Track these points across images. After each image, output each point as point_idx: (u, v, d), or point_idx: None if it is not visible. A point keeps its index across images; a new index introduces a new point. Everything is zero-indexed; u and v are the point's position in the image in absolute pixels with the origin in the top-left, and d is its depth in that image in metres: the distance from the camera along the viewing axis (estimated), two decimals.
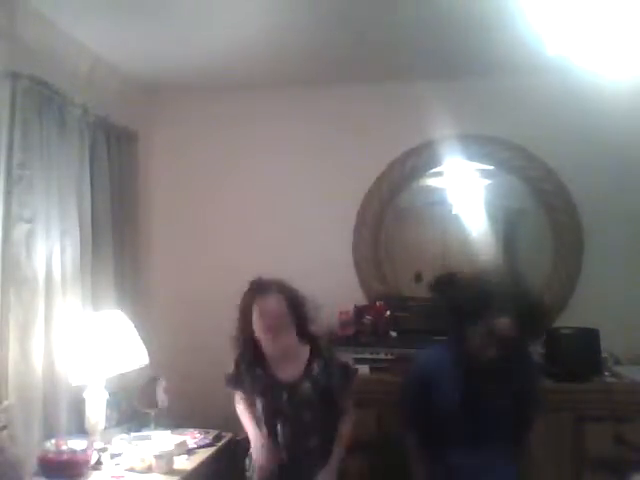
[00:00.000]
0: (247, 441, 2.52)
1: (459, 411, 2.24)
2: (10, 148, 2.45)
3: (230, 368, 2.54)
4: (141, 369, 2.83)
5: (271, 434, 2.40)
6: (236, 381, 2.49)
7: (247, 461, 2.53)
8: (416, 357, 2.56)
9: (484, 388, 2.25)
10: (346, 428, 2.44)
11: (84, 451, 2.41)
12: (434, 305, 2.56)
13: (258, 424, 2.45)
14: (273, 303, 2.39)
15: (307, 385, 2.39)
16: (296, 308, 2.43)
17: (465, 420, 2.24)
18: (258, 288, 2.44)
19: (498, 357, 2.22)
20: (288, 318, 2.40)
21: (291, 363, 2.43)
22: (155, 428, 2.93)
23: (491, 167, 3.51)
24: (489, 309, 2.20)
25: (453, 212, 3.54)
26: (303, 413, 2.37)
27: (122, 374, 2.75)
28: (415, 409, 2.41)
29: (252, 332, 2.42)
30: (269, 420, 2.40)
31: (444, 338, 2.50)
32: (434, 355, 2.46)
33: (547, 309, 2.32)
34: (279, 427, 2.38)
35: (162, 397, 2.99)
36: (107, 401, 2.71)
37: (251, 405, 2.49)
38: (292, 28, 2.83)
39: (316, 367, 2.42)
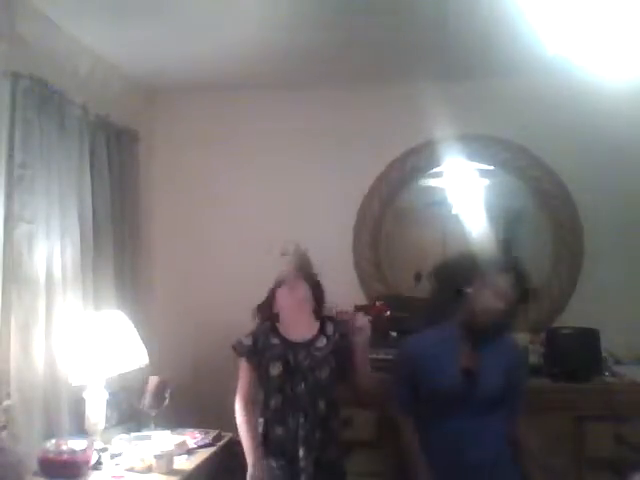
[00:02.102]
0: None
1: (461, 382, 2.25)
2: (10, 148, 2.45)
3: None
4: (141, 369, 2.83)
5: (285, 399, 2.43)
6: (250, 351, 2.51)
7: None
8: (403, 343, 2.59)
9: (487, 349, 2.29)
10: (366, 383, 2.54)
11: (84, 451, 2.41)
12: (435, 293, 2.58)
13: (271, 392, 2.45)
14: (298, 290, 2.54)
15: (323, 340, 2.49)
16: (315, 294, 2.57)
17: (467, 390, 2.24)
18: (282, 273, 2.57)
19: (505, 311, 2.26)
20: (307, 290, 2.56)
21: (305, 326, 2.52)
22: (155, 428, 2.93)
23: (491, 167, 3.51)
24: (488, 270, 2.30)
25: (453, 212, 3.54)
26: (318, 370, 2.43)
27: (122, 374, 2.75)
28: (405, 390, 2.41)
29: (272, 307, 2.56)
30: (285, 383, 2.42)
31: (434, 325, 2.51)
32: (423, 336, 2.48)
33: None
34: (295, 388, 2.41)
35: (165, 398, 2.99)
36: (107, 401, 2.71)
37: (253, 411, 2.50)
38: (292, 28, 2.82)
39: (329, 327, 2.54)
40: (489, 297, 2.26)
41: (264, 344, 2.49)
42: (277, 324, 2.54)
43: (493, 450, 2.26)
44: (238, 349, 2.53)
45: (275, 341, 2.49)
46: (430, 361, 2.33)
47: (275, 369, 2.44)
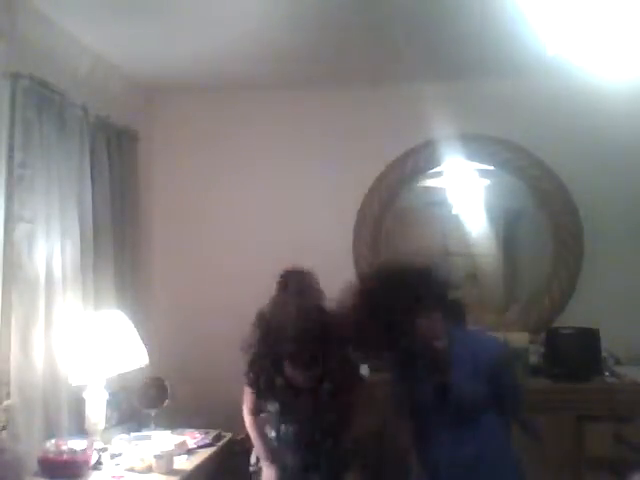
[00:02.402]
0: (248, 439, 2.52)
1: (433, 400, 2.18)
2: (10, 148, 2.45)
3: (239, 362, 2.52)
4: (141, 369, 2.83)
5: (282, 437, 2.40)
6: (254, 384, 2.42)
7: (252, 458, 2.53)
8: None
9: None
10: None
11: (84, 451, 2.41)
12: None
13: (270, 425, 2.44)
14: (309, 372, 2.32)
15: (327, 386, 2.37)
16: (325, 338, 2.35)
17: (441, 407, 2.17)
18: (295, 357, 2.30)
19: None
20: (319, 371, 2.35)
21: (309, 369, 2.35)
22: (155, 428, 2.93)
23: (491, 167, 3.51)
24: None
25: (453, 212, 3.54)
26: (323, 416, 2.36)
27: (122, 374, 2.75)
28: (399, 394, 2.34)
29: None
30: (283, 423, 2.39)
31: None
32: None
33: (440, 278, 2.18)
34: (296, 431, 2.37)
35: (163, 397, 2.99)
36: (107, 401, 2.71)
37: (260, 411, 2.48)
38: (292, 28, 2.83)
39: (333, 362, 2.37)
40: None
41: (266, 380, 2.39)
42: (284, 361, 2.36)
43: (479, 455, 2.22)
44: (246, 379, 2.43)
45: (278, 381, 2.36)
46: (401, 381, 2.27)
47: (273, 407, 2.40)
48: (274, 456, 2.41)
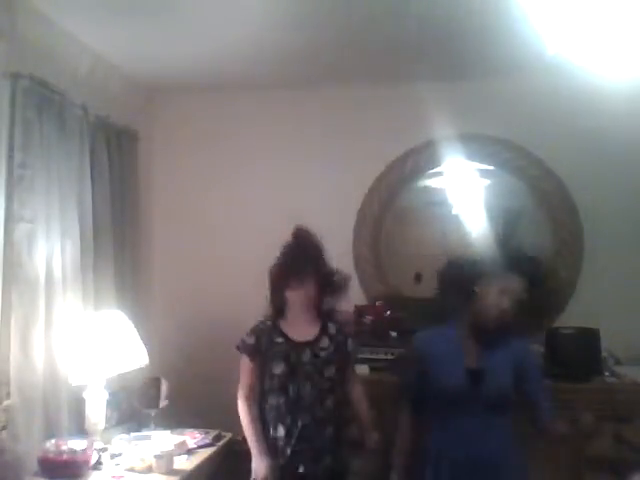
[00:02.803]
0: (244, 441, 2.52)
1: (467, 382, 2.25)
2: (10, 148, 2.45)
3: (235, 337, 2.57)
4: (141, 369, 2.83)
5: (288, 399, 2.43)
6: (254, 349, 2.49)
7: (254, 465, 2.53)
8: (414, 338, 2.53)
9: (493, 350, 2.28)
10: (359, 391, 2.57)
11: (84, 451, 2.41)
12: (441, 293, 2.56)
13: (273, 391, 2.45)
14: (306, 293, 2.50)
15: (326, 340, 2.49)
16: (325, 291, 2.55)
17: (472, 389, 2.24)
18: (294, 268, 2.51)
19: (512, 310, 2.25)
20: (316, 297, 2.53)
21: (308, 326, 2.51)
22: (155, 428, 2.93)
23: (491, 167, 3.51)
24: (494, 269, 2.30)
25: (453, 212, 3.54)
26: (324, 369, 2.44)
27: (122, 374, 2.75)
28: (415, 387, 2.41)
29: (282, 297, 2.53)
30: (289, 382, 2.42)
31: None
32: (431, 333, 2.46)
33: (545, 269, 2.41)
34: (300, 388, 2.42)
35: (163, 397, 2.99)
36: (107, 401, 2.71)
37: (262, 384, 2.50)
38: (292, 28, 2.83)
39: (332, 327, 2.55)
40: (496, 296, 2.26)
41: (267, 342, 2.49)
42: (280, 322, 2.53)
43: (499, 448, 2.25)
44: (241, 347, 2.52)
45: (278, 340, 2.48)
46: (437, 359, 2.32)
47: (278, 368, 2.44)
48: (266, 448, 2.42)
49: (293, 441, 2.39)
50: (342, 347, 2.53)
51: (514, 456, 2.28)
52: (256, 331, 2.53)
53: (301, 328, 2.50)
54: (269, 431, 2.44)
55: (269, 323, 2.54)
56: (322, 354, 2.46)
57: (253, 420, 2.47)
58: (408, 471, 2.39)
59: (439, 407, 2.33)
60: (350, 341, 2.59)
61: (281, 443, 2.41)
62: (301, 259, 2.53)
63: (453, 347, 2.33)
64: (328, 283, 2.55)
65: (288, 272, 2.51)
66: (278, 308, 2.54)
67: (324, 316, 2.57)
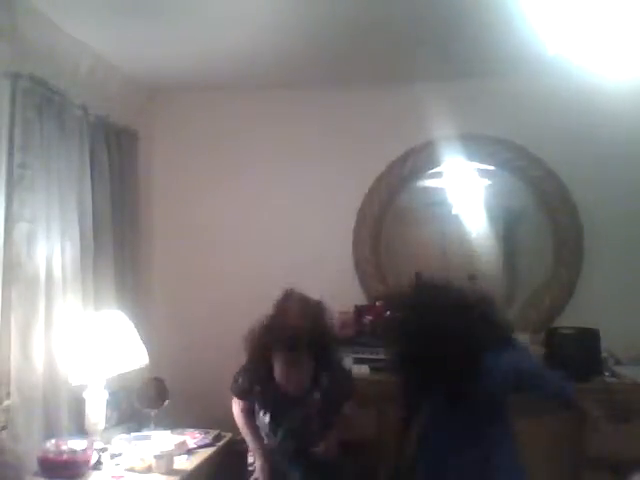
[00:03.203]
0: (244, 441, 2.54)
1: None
2: (10, 148, 2.45)
3: (231, 370, 2.56)
4: (141, 369, 2.83)
5: (273, 445, 2.47)
6: (246, 392, 2.52)
7: (250, 458, 2.54)
8: None
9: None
10: (351, 409, 2.54)
11: (84, 451, 2.41)
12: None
13: (261, 431, 2.48)
14: (298, 372, 2.41)
15: (317, 396, 2.45)
16: (319, 348, 2.44)
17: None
18: (286, 343, 2.37)
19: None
20: (305, 375, 2.44)
21: (300, 377, 2.45)
22: (155, 428, 2.93)
23: (491, 167, 3.51)
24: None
25: (453, 212, 3.54)
26: (311, 424, 2.43)
27: (122, 374, 2.75)
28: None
29: (269, 367, 2.44)
30: (274, 433, 2.46)
31: None
32: None
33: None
34: (286, 440, 2.44)
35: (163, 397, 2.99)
36: (107, 401, 2.71)
37: (252, 415, 2.53)
38: (292, 29, 2.83)
39: (325, 379, 2.49)
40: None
41: (259, 390, 2.49)
42: (276, 374, 2.46)
43: (490, 450, 2.25)
44: (234, 389, 2.54)
45: (267, 390, 2.48)
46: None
47: (265, 418, 2.48)
48: (267, 451, 2.45)
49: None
50: (334, 406, 2.49)
51: (508, 457, 2.28)
52: (250, 375, 2.52)
53: (293, 386, 2.44)
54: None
55: (264, 370, 2.47)
56: (310, 410, 2.44)
57: (251, 429, 2.52)
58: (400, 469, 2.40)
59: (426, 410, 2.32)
60: (347, 406, 2.55)
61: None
62: (292, 337, 2.37)
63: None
64: (323, 357, 2.46)
65: (276, 346, 2.39)
66: (266, 371, 2.46)
67: (318, 367, 2.48)
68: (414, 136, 3.48)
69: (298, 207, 3.63)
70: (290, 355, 2.36)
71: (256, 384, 2.49)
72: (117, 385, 2.86)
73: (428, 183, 3.60)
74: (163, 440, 2.68)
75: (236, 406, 2.59)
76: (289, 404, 2.43)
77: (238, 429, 2.66)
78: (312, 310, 2.49)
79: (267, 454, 2.45)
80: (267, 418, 2.46)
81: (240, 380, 2.52)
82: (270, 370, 2.44)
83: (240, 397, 2.52)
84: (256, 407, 2.51)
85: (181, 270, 3.71)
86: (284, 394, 2.44)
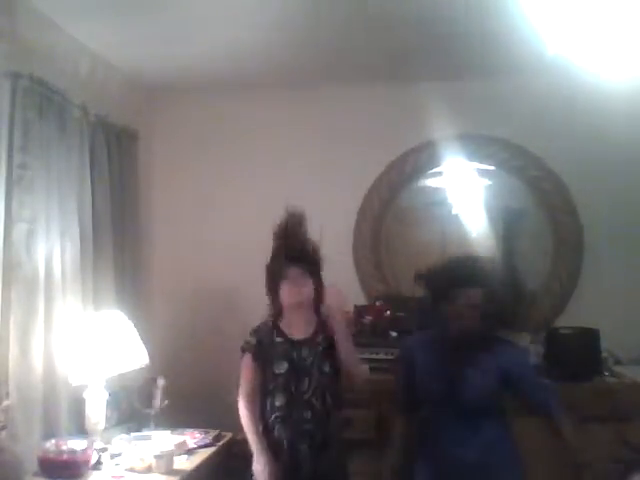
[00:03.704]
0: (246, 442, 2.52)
1: (445, 387, 2.29)
2: (10, 148, 2.45)
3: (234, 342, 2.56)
4: (141, 369, 2.83)
5: (291, 396, 2.43)
6: (257, 349, 2.49)
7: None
8: (401, 342, 2.61)
9: (465, 361, 2.30)
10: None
11: (84, 451, 2.41)
12: (421, 299, 2.61)
13: (277, 390, 2.45)
14: (302, 287, 2.49)
15: (322, 337, 2.49)
16: (319, 275, 2.54)
17: (452, 392, 2.27)
18: (290, 257, 2.54)
19: (471, 328, 2.27)
20: (311, 288, 2.52)
21: (305, 324, 2.52)
22: (155, 428, 2.93)
23: (491, 167, 3.51)
24: (460, 285, 2.28)
25: (453, 212, 3.54)
26: (322, 365, 2.45)
27: (122, 374, 2.75)
28: (403, 388, 2.48)
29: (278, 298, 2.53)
30: (291, 381, 2.43)
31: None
32: (417, 338, 2.57)
33: (524, 293, 2.42)
34: (300, 385, 2.43)
35: (160, 397, 2.99)
36: (107, 401, 2.71)
37: (264, 384, 2.50)
38: (293, 29, 2.83)
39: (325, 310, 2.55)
40: (459, 312, 2.27)
41: (268, 343, 2.49)
42: (279, 322, 2.53)
43: (482, 452, 2.26)
44: (246, 348, 2.52)
45: (279, 340, 2.49)
46: (421, 362, 2.39)
47: (281, 368, 2.45)
48: (267, 447, 2.41)
49: (295, 439, 2.40)
50: (330, 336, 2.53)
51: (506, 456, 2.29)
52: (257, 332, 2.54)
53: (299, 326, 2.51)
54: (271, 432, 2.44)
55: (269, 324, 2.55)
56: (319, 349, 2.48)
57: (254, 419, 2.47)
58: (399, 471, 2.42)
59: (425, 409, 2.39)
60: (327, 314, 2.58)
61: (283, 442, 2.41)
62: (289, 257, 2.55)
63: (435, 351, 2.38)
64: (316, 270, 2.55)
65: (277, 273, 2.54)
66: (277, 309, 2.55)
67: (320, 313, 2.57)
68: (414, 136, 3.49)
69: (298, 207, 3.62)
70: (300, 267, 2.49)
71: (266, 336, 2.50)
72: (117, 385, 2.86)
73: (428, 183, 3.60)
74: (163, 440, 2.68)
75: (243, 387, 2.52)
76: (300, 346, 2.47)
77: (238, 429, 2.63)
78: (304, 229, 2.66)
79: (268, 451, 2.43)
80: (283, 368, 2.44)
81: (250, 339, 2.52)
82: (279, 314, 2.52)
83: (253, 353, 2.49)
84: (268, 367, 2.47)
85: (181, 270, 3.70)
86: (293, 339, 2.48)
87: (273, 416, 2.44)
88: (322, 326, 2.53)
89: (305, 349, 2.47)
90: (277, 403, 2.44)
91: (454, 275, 2.33)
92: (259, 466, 2.40)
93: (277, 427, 2.43)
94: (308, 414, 2.40)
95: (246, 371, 2.52)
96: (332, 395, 2.46)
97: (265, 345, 2.49)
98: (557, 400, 2.31)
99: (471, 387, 2.26)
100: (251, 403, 2.50)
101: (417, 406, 2.42)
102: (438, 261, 2.57)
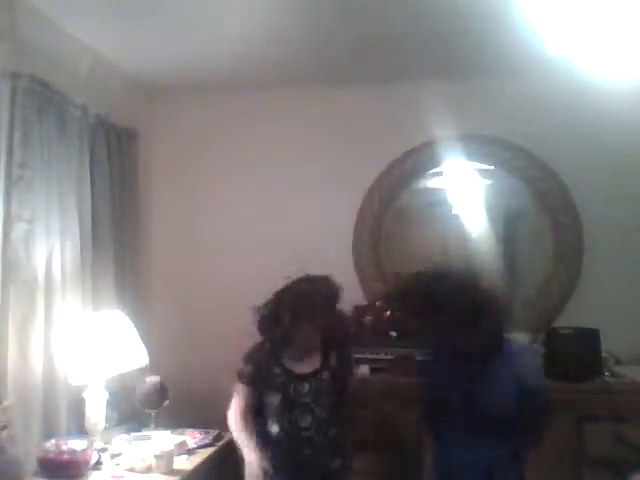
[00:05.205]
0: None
1: (460, 403, 2.26)
2: (10, 148, 2.45)
3: (235, 364, 2.53)
4: (141, 369, 2.83)
5: (285, 429, 2.40)
6: (253, 378, 2.46)
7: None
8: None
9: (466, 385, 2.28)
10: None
11: (84, 451, 2.41)
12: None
13: (272, 420, 2.42)
14: (311, 338, 2.46)
15: (326, 374, 2.45)
16: (330, 330, 2.48)
17: (468, 405, 2.25)
18: (304, 310, 2.41)
19: (465, 346, 2.25)
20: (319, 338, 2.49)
21: (307, 358, 2.47)
22: (155, 428, 2.93)
23: (491, 167, 3.51)
24: (429, 306, 2.27)
25: (453, 212, 3.54)
26: (324, 401, 2.41)
27: (122, 374, 2.75)
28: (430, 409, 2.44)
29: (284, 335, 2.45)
30: (287, 412, 2.39)
31: None
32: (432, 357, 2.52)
33: (496, 304, 2.31)
34: (300, 418, 2.39)
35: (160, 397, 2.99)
36: (107, 401, 2.71)
37: (256, 410, 2.48)
38: (293, 29, 2.83)
39: (333, 358, 2.51)
40: (441, 334, 2.27)
41: (265, 371, 2.45)
42: (280, 350, 2.47)
43: (498, 460, 2.25)
44: (240, 376, 2.48)
45: (277, 371, 2.44)
46: (439, 381, 2.35)
47: (273, 399, 2.42)
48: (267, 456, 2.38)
49: (290, 472, 2.37)
50: (345, 372, 2.53)
51: (508, 469, 2.29)
52: (253, 359, 2.49)
53: (304, 360, 2.46)
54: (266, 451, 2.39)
55: (267, 348, 2.48)
56: (321, 385, 2.43)
57: (249, 433, 2.42)
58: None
59: (442, 421, 2.34)
60: (350, 380, 2.57)
61: (278, 472, 2.36)
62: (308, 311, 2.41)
63: (447, 364, 2.34)
64: (332, 336, 2.50)
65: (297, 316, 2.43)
66: (281, 334, 2.46)
67: (326, 345, 2.52)
68: (414, 136, 3.48)
69: (298, 207, 3.63)
70: (321, 321, 2.40)
71: (262, 363, 2.45)
72: (117, 385, 2.86)
73: (428, 183, 3.60)
74: (163, 440, 2.68)
75: (237, 404, 2.51)
76: (300, 381, 2.42)
77: (237, 440, 2.57)
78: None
79: (268, 462, 2.38)
80: (276, 399, 2.40)
81: (244, 366, 2.48)
82: (283, 342, 2.45)
83: (248, 382, 2.46)
84: (263, 396, 2.45)
85: (181, 270, 3.71)
86: (294, 373, 2.43)
87: (267, 444, 2.40)
88: (327, 362, 2.48)
89: (305, 385, 2.42)
90: (272, 432, 2.41)
91: (424, 296, 2.30)
92: (255, 471, 2.36)
93: (271, 455, 2.38)
94: (309, 450, 2.37)
95: (240, 396, 2.49)
96: (336, 429, 2.42)
97: (262, 372, 2.45)
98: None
99: (485, 403, 2.23)
100: (244, 420, 2.46)
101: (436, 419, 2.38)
102: (406, 280, 2.53)
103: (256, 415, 2.47)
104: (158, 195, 3.76)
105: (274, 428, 2.41)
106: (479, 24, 2.71)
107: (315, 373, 2.44)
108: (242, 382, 2.48)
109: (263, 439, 2.42)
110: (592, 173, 3.33)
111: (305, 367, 2.45)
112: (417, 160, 3.53)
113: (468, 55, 3.09)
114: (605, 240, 3.31)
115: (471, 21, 2.69)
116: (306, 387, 2.41)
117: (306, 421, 2.38)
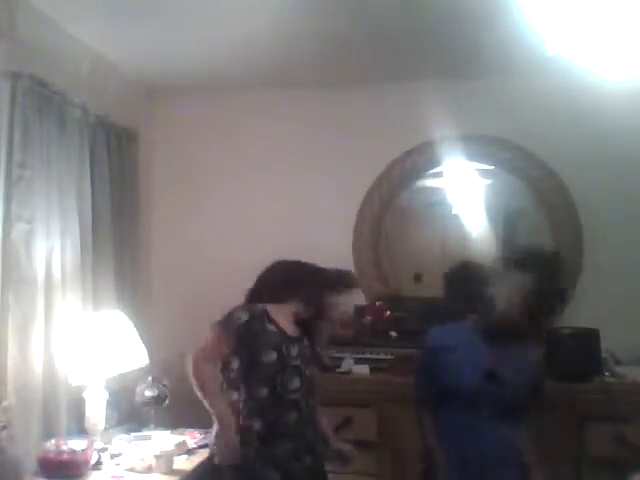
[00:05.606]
0: None
1: (481, 380, 2.22)
2: (10, 148, 2.45)
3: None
4: (141, 369, 2.83)
5: (274, 391, 2.32)
6: (244, 326, 2.34)
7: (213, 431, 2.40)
8: (431, 330, 2.45)
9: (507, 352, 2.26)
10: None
11: (84, 451, 2.41)
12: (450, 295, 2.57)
13: (259, 380, 2.32)
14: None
15: (307, 342, 2.46)
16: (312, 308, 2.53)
17: (487, 388, 2.22)
18: (348, 284, 2.64)
19: (519, 311, 2.22)
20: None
21: (293, 323, 2.46)
22: (155, 428, 2.93)
23: (491, 167, 3.51)
24: (505, 269, 2.28)
25: (453, 212, 3.54)
26: (308, 368, 2.40)
27: (122, 374, 2.75)
28: (429, 383, 2.38)
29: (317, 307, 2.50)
30: (277, 374, 2.31)
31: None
32: (451, 327, 2.43)
33: (562, 263, 2.39)
34: (288, 382, 2.32)
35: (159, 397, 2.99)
36: (107, 401, 2.71)
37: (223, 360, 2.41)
38: (293, 29, 2.83)
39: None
40: (506, 297, 2.22)
41: (260, 328, 2.35)
42: (271, 312, 2.40)
43: (510, 449, 2.25)
44: (229, 323, 2.37)
45: (271, 328, 2.36)
46: (450, 357, 2.28)
47: (268, 357, 2.31)
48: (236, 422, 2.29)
49: (275, 438, 2.29)
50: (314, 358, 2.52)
51: (517, 459, 2.28)
52: (250, 310, 2.40)
53: (289, 321, 2.44)
54: (244, 423, 2.30)
55: (260, 307, 2.42)
56: (307, 351, 2.43)
57: (219, 388, 2.36)
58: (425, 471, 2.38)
59: (451, 405, 2.29)
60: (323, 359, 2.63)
61: (258, 439, 2.27)
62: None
63: (468, 346, 2.29)
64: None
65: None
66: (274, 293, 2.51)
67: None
68: (414, 136, 3.48)
69: (298, 207, 3.63)
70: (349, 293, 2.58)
71: (257, 318, 2.36)
72: (117, 385, 2.86)
73: (428, 183, 3.60)
74: (163, 440, 2.68)
75: (209, 344, 2.41)
76: (291, 343, 2.38)
77: (200, 389, 2.47)
78: None
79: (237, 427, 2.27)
80: (270, 358, 2.30)
81: (240, 313, 2.39)
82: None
83: (238, 329, 2.33)
84: (255, 354, 2.33)
85: (181, 270, 3.71)
86: (287, 333, 2.39)
87: (248, 408, 2.30)
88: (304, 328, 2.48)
89: (295, 347, 2.37)
90: (256, 395, 2.30)
91: (492, 263, 2.33)
92: (226, 446, 2.25)
93: (252, 420, 2.29)
94: (294, 415, 2.31)
95: (216, 343, 2.38)
96: (315, 400, 2.43)
97: (256, 327, 2.34)
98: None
99: (505, 386, 2.21)
100: (212, 364, 2.36)
101: (436, 403, 2.33)
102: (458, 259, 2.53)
103: (243, 379, 2.35)
104: (158, 195, 3.76)
105: (262, 392, 2.30)
106: (479, 24, 2.70)
107: (301, 338, 2.44)
108: (230, 329, 2.36)
109: (249, 404, 2.32)
110: (592, 173, 3.32)
111: (292, 330, 2.42)
112: (417, 160, 3.53)
113: (468, 55, 3.09)
114: (605, 240, 3.31)
115: (471, 21, 2.69)
116: (296, 349, 2.38)
117: (295, 383, 2.32)
